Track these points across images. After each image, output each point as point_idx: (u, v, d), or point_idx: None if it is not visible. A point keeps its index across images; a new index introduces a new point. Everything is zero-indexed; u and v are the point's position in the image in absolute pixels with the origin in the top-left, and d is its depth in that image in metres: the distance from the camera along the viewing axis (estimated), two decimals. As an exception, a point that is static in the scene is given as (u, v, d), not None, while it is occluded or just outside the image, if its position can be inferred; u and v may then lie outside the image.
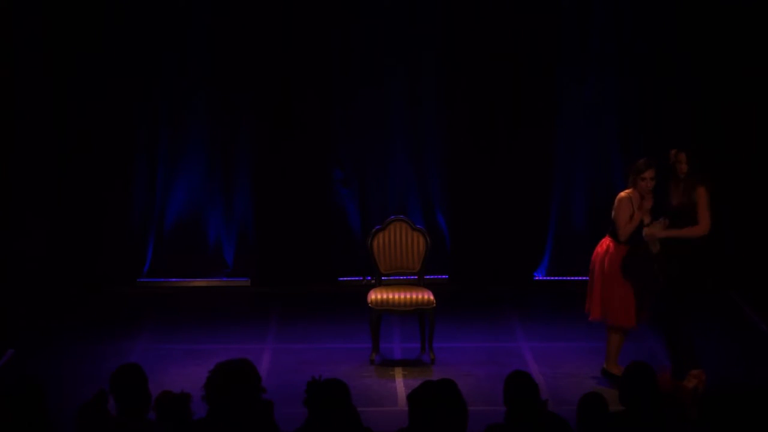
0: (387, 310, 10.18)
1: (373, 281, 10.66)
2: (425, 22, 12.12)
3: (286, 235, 12.24)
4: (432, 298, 10.16)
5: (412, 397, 5.63)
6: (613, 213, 9.53)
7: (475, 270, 12.32)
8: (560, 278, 12.41)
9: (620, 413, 6.29)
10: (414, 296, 10.16)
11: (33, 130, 11.57)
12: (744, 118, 11.89)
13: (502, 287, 12.20)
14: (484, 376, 9.73)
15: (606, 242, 9.58)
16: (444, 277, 12.34)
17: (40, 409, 5.92)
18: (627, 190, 9.49)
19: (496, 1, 12.00)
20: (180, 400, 6.19)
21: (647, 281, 9.37)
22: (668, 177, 9.34)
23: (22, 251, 11.31)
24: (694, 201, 9.18)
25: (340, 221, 12.38)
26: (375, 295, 10.20)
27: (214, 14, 12.00)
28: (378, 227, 10.60)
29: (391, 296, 10.16)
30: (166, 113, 12.18)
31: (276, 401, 6.13)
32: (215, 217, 12.37)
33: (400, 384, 9.69)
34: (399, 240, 10.52)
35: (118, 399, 6.04)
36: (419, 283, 10.45)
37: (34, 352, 10.40)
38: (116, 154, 12.07)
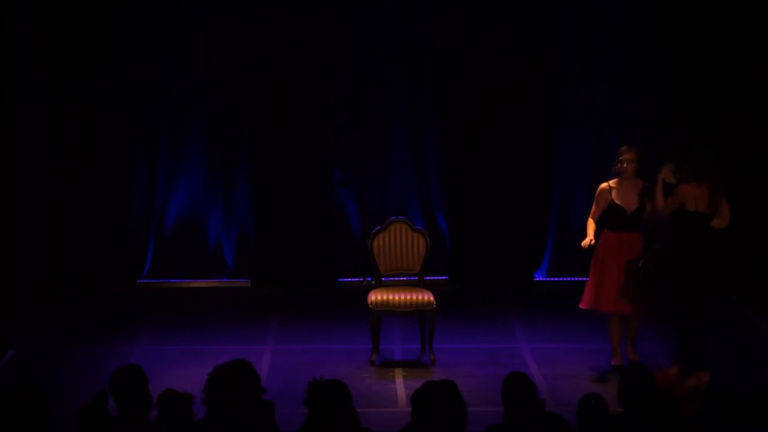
0: (387, 311, 10.17)
1: (373, 282, 10.65)
2: (425, 22, 12.11)
3: (286, 236, 12.23)
4: (432, 298, 10.15)
5: (415, 397, 5.63)
6: None
7: (475, 271, 12.31)
8: (560, 279, 12.40)
9: (620, 414, 6.29)
10: (414, 297, 10.16)
11: (33, 130, 11.58)
12: (744, 118, 11.89)
13: (502, 288, 12.20)
14: (484, 377, 9.71)
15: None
16: (444, 277, 12.33)
17: (41, 410, 5.91)
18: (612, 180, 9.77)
19: (496, 1, 12.00)
20: (183, 399, 6.19)
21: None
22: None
23: (22, 251, 11.31)
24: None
25: (340, 222, 12.37)
26: (375, 296, 10.20)
27: (213, 15, 11.99)
28: (378, 228, 10.59)
29: (391, 297, 10.15)
30: (166, 113, 12.18)
31: (276, 402, 6.14)
32: (215, 218, 12.36)
33: (400, 385, 9.68)
34: (399, 241, 10.51)
35: (117, 400, 6.04)
36: (419, 284, 10.44)
37: (34, 353, 10.39)
38: (116, 154, 12.07)
